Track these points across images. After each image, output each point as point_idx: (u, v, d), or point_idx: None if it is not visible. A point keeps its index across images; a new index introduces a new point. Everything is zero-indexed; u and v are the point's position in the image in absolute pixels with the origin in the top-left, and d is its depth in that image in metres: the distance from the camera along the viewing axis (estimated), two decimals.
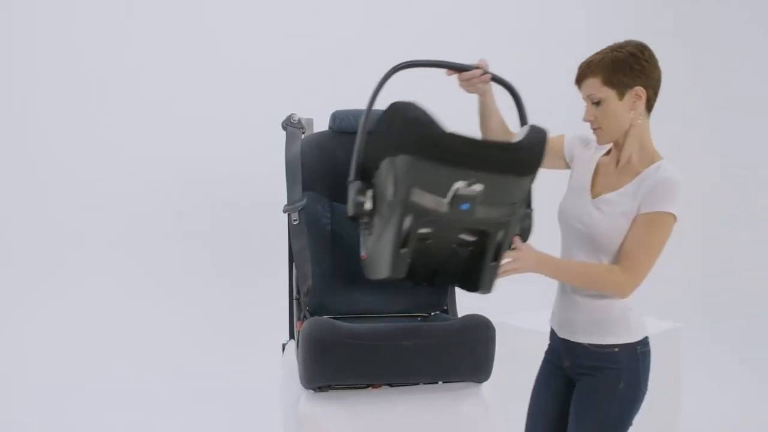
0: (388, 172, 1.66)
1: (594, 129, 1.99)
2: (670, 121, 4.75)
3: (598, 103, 1.94)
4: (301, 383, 1.86)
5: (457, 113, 2.01)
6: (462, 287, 1.84)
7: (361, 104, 2.02)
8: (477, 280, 1.75)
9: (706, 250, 4.97)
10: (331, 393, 1.86)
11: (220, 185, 3.67)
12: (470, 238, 1.72)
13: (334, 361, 1.77)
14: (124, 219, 3.62)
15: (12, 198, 3.47)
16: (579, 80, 1.97)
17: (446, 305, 2.20)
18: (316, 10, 3.86)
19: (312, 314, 2.08)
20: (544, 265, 1.91)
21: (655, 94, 1.95)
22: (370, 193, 1.74)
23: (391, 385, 1.93)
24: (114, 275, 3.59)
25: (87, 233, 3.56)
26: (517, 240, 1.84)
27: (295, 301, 2.26)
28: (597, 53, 1.95)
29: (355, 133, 2.22)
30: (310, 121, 2.42)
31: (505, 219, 1.70)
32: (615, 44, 1.95)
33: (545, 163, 2.12)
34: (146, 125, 3.62)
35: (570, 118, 2.38)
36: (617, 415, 1.95)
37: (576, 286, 1.99)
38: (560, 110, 2.74)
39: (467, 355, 1.82)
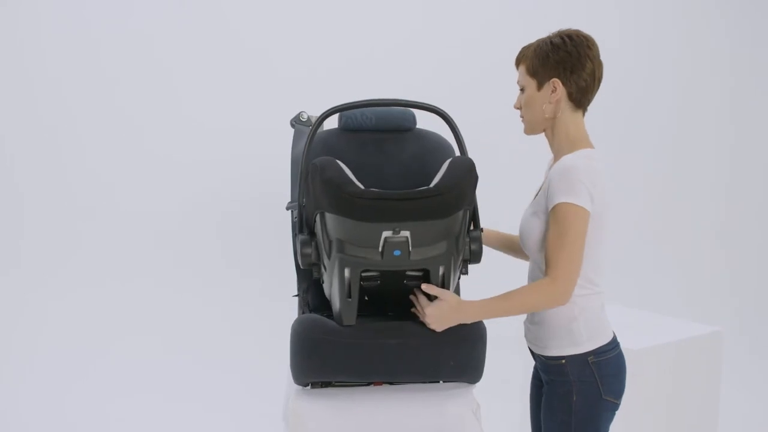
0: (321, 227, 1.73)
1: (521, 118, 1.95)
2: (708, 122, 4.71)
3: (523, 90, 1.91)
4: (293, 380, 1.87)
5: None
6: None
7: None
8: None
9: (747, 252, 4.77)
10: (321, 390, 1.87)
11: (257, 185, 3.75)
12: (416, 273, 1.75)
13: (319, 359, 1.78)
14: (168, 216, 3.76)
15: (54, 198, 3.64)
16: (515, 65, 1.94)
17: None
18: (335, 15, 3.92)
19: (313, 311, 2.08)
20: (464, 315, 1.80)
21: (581, 89, 1.84)
22: (314, 244, 1.81)
23: (392, 383, 1.93)
24: (149, 271, 3.72)
25: (119, 233, 3.71)
26: (424, 305, 1.78)
27: (298, 298, 2.27)
28: (538, 39, 1.89)
29: (361, 130, 2.25)
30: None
31: (443, 255, 1.71)
32: (555, 31, 1.88)
33: None
34: (187, 129, 3.76)
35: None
36: (579, 428, 1.85)
37: (516, 314, 1.85)
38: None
39: (454, 354, 1.79)
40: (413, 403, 1.81)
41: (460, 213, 1.72)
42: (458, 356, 1.80)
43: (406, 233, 1.65)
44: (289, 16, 3.89)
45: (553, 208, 1.77)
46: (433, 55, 4.02)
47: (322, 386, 1.90)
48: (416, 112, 2.32)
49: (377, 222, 1.64)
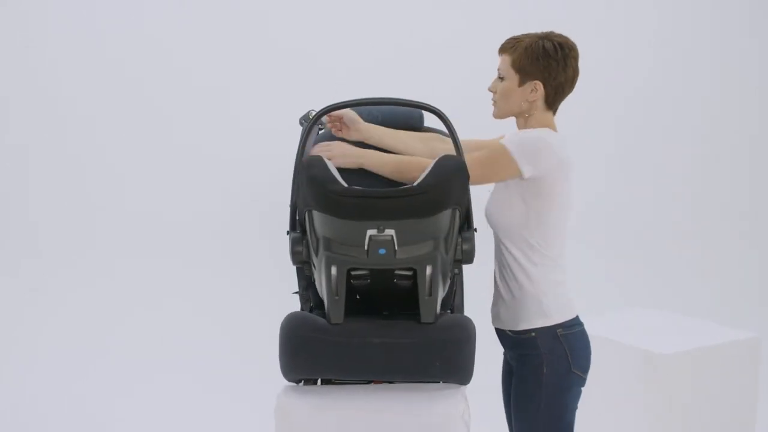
0: (309, 225, 1.74)
1: (492, 101, 2.04)
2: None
3: (502, 79, 1.99)
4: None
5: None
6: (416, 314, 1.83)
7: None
8: (420, 311, 1.77)
9: None
10: (310, 387, 1.87)
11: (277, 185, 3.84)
12: (406, 272, 1.74)
13: (305, 356, 1.78)
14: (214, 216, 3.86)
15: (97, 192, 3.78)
16: (499, 52, 2.00)
17: (452, 305, 2.14)
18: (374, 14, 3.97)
19: (314, 308, 2.09)
20: (356, 157, 1.90)
21: (557, 93, 1.97)
22: (305, 242, 1.81)
23: (392, 382, 1.92)
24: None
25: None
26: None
27: (300, 295, 2.28)
28: (528, 35, 1.96)
29: None
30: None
31: (430, 254, 1.69)
32: (546, 33, 1.96)
33: None
34: (225, 128, 3.86)
35: None
36: (548, 401, 1.93)
37: (391, 176, 1.88)
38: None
39: (439, 355, 1.76)
40: (399, 403, 1.78)
41: (447, 212, 1.70)
42: (444, 358, 1.76)
43: (391, 232, 1.64)
44: (330, 16, 3.93)
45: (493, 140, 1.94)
46: (467, 56, 4.01)
47: (325, 383, 1.91)
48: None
49: (360, 220, 1.64)
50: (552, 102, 1.99)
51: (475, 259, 2.28)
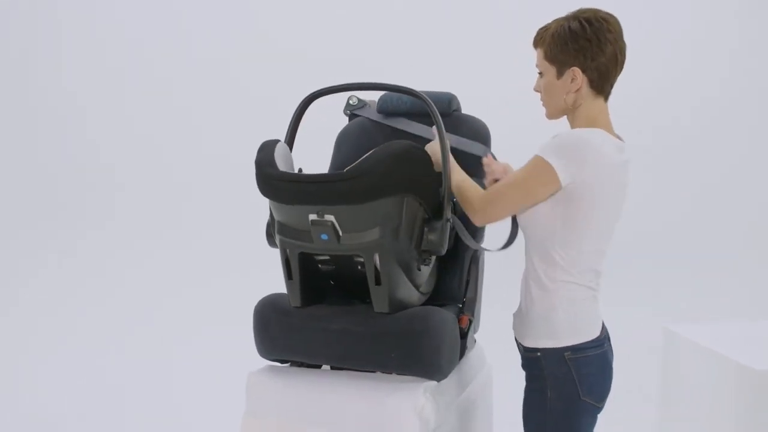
0: (270, 209, 1.75)
1: (541, 101, 1.85)
2: None
3: (542, 75, 1.81)
4: None
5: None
6: None
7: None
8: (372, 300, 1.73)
9: None
10: (282, 368, 1.91)
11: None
12: (362, 259, 1.69)
13: (270, 337, 1.83)
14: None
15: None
16: (533, 46, 1.81)
17: (463, 300, 2.05)
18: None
19: None
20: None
21: (602, 76, 1.74)
22: None
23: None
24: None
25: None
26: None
27: None
28: (556, 20, 1.75)
29: (396, 114, 2.23)
30: (373, 103, 2.41)
31: (376, 242, 1.62)
32: (573, 13, 1.74)
33: None
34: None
35: None
36: (553, 427, 1.73)
37: (454, 190, 1.82)
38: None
39: (395, 346, 1.71)
40: (359, 390, 1.75)
41: (393, 199, 1.63)
42: (402, 350, 1.71)
43: (331, 217, 1.61)
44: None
45: (533, 157, 1.71)
46: None
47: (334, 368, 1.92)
48: (462, 97, 2.25)
49: (293, 204, 1.63)
50: (600, 86, 1.75)
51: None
